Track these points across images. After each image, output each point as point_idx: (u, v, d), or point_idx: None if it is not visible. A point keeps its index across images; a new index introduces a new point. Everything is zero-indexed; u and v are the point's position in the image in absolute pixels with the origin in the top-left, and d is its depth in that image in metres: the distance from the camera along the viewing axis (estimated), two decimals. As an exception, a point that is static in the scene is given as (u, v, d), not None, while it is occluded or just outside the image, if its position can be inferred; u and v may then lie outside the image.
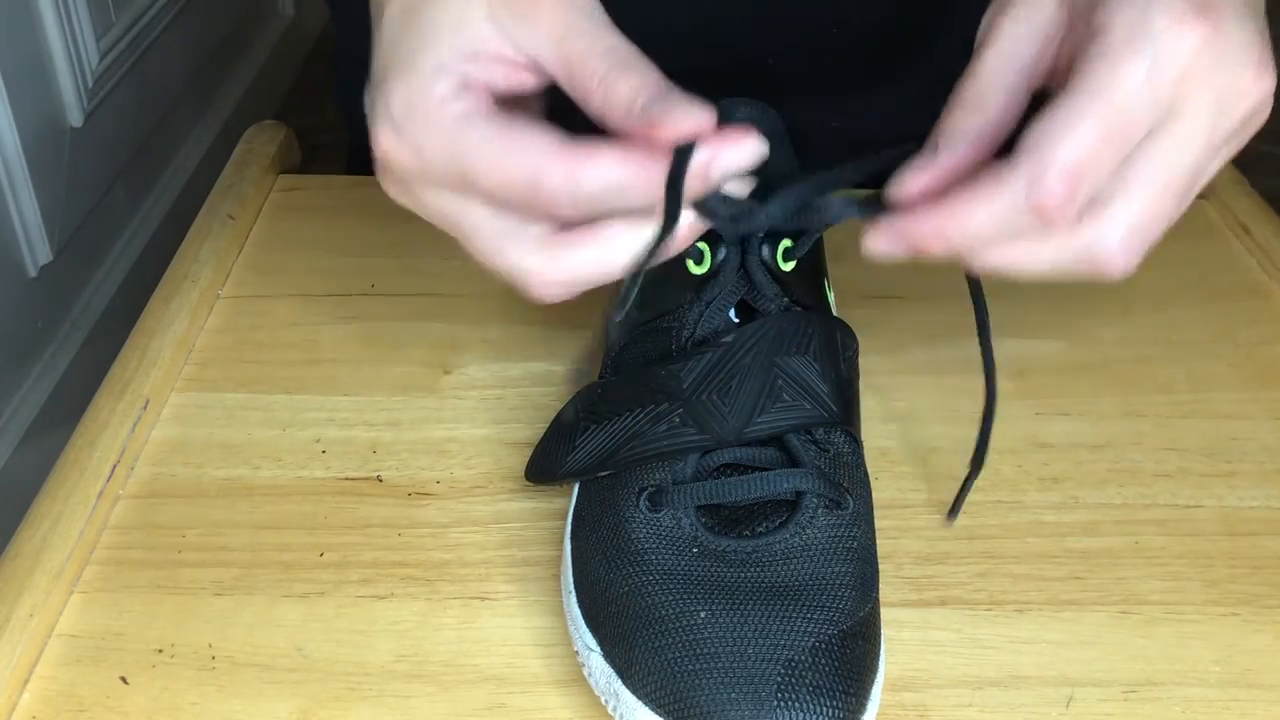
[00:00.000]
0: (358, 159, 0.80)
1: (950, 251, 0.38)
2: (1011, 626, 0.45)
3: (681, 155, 0.37)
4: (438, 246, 0.64)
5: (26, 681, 0.43)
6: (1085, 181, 0.36)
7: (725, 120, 0.40)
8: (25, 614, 0.44)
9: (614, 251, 0.40)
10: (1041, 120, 0.36)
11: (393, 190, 0.44)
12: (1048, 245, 0.38)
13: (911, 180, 0.38)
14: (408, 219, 0.66)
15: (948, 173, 0.38)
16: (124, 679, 0.43)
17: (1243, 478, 0.52)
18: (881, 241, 0.38)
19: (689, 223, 0.40)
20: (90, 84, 0.89)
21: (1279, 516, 0.50)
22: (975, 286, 0.42)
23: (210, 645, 0.44)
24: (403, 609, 0.45)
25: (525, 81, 0.41)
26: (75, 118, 0.88)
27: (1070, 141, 0.35)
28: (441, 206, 0.42)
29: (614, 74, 0.39)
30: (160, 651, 0.44)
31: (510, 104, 0.41)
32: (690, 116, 0.37)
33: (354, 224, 0.66)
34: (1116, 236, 0.37)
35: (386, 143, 0.42)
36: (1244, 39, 0.36)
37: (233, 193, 0.67)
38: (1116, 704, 0.43)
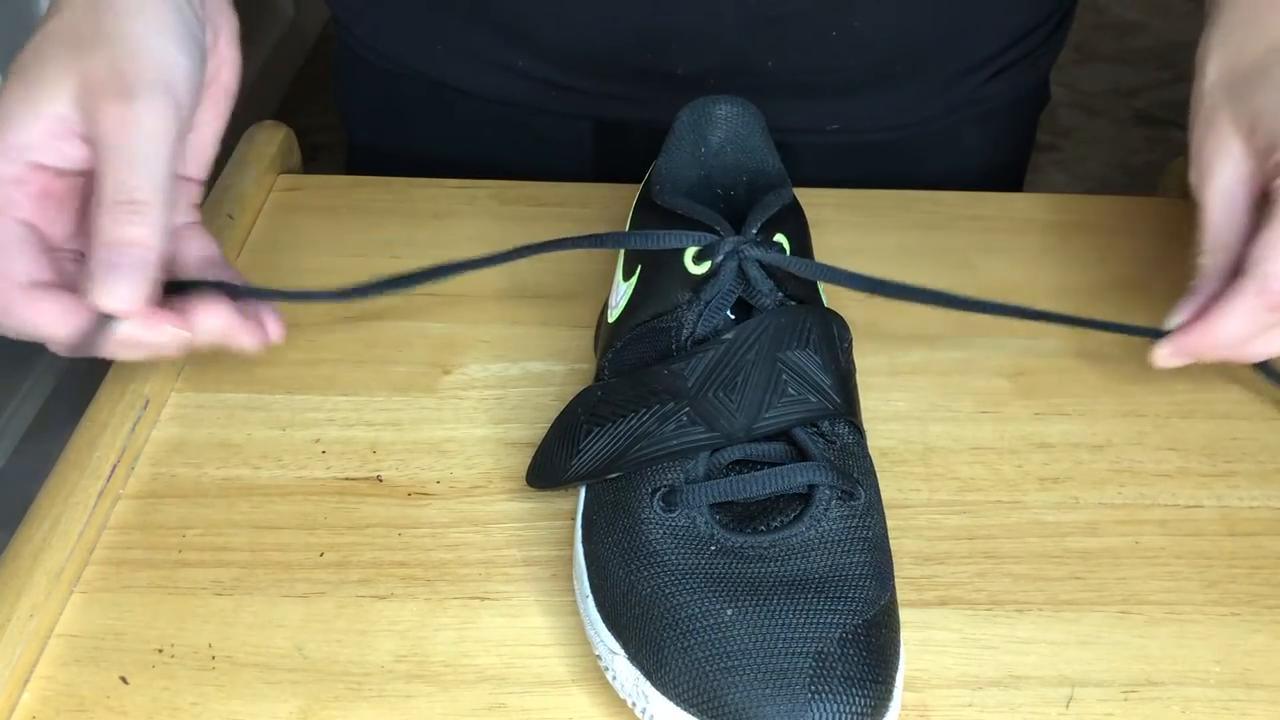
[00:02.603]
0: (358, 159, 0.80)
1: (1222, 355, 0.50)
2: (1011, 626, 0.45)
3: (101, 322, 0.45)
4: (438, 247, 0.64)
5: (26, 681, 0.43)
6: None
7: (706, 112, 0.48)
8: (25, 614, 0.44)
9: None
10: (1256, 245, 0.48)
11: None
12: None
13: (1184, 313, 0.51)
14: (408, 219, 0.66)
15: (1207, 301, 0.50)
16: (124, 679, 0.43)
17: (1243, 478, 0.52)
18: (1169, 357, 0.51)
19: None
20: (90, 84, 0.89)
21: (1279, 516, 0.50)
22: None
23: (210, 645, 0.44)
24: (403, 609, 0.45)
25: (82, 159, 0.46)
26: (75, 118, 0.88)
27: (1278, 259, 0.47)
28: None
29: (122, 211, 0.44)
30: (160, 651, 0.44)
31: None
32: (112, 299, 0.43)
33: (354, 224, 0.66)
34: None
35: None
36: None
37: (233, 193, 0.67)
38: (1116, 704, 0.43)
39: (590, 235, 0.49)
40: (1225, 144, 0.51)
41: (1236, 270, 0.49)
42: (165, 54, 0.46)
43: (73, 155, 0.46)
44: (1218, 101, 0.51)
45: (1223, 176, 0.51)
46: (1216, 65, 0.52)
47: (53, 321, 0.45)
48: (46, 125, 0.45)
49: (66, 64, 0.46)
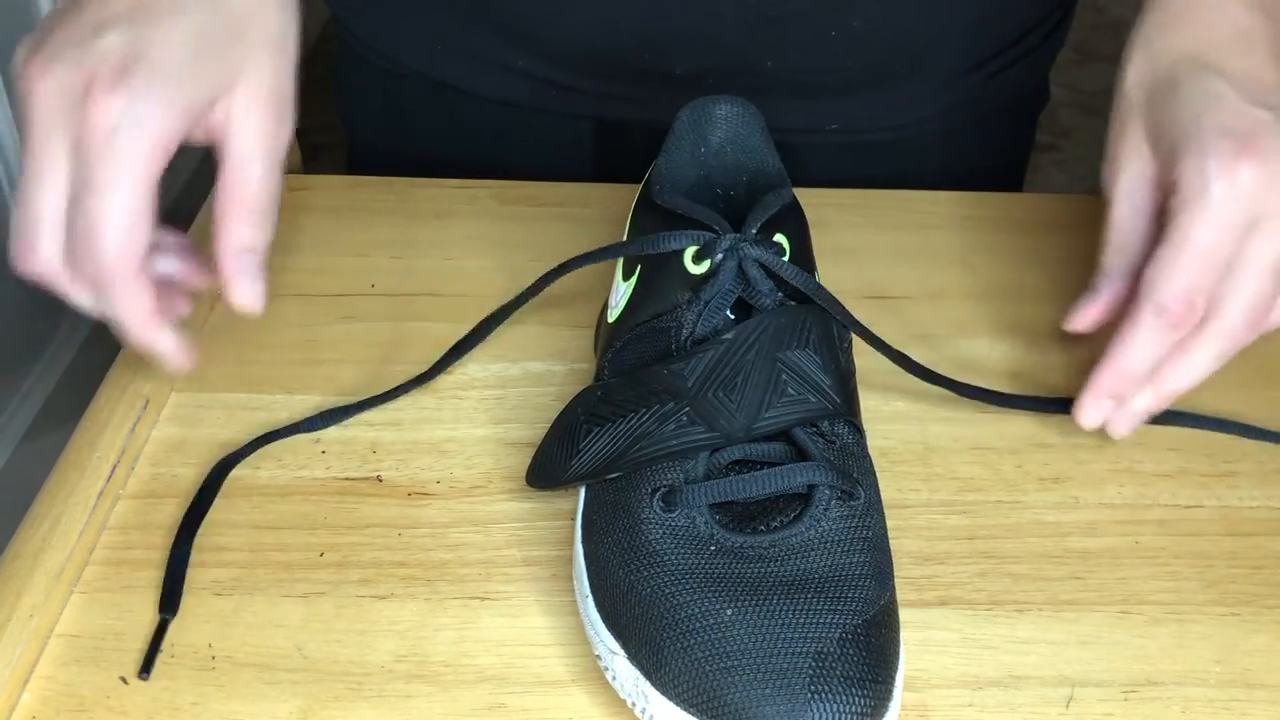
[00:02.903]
0: (358, 159, 0.80)
1: (1141, 391, 0.50)
2: (1011, 626, 0.45)
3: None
4: (438, 247, 0.64)
5: (26, 681, 0.43)
6: (1194, 295, 0.47)
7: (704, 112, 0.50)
8: (25, 614, 0.44)
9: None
10: (1150, 266, 0.48)
11: (34, 57, 0.45)
12: (1200, 353, 0.48)
13: (1086, 310, 0.52)
14: (408, 219, 0.66)
15: (1109, 302, 0.51)
16: (124, 679, 0.43)
17: (1243, 478, 0.52)
18: (1090, 409, 0.51)
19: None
20: (90, 84, 0.89)
21: (1279, 516, 0.50)
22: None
23: (210, 645, 0.44)
24: (403, 609, 0.45)
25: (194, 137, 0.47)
26: (75, 118, 0.88)
27: (1171, 279, 0.47)
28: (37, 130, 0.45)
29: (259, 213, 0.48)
30: (160, 651, 0.44)
31: None
32: (248, 299, 0.48)
33: (354, 224, 0.66)
34: (1241, 319, 0.48)
35: (68, 56, 0.44)
36: None
37: (233, 193, 0.67)
38: (1116, 704, 0.43)
39: (597, 250, 0.49)
40: (1136, 147, 0.51)
41: (1136, 271, 0.49)
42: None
43: (190, 137, 0.46)
44: (1134, 103, 0.52)
45: (1131, 178, 0.51)
46: (1137, 66, 0.52)
47: (139, 317, 0.47)
48: (202, 103, 0.45)
49: (234, 51, 0.46)
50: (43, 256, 0.46)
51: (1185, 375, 0.49)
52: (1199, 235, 0.47)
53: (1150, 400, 0.50)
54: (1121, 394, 0.50)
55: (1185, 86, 0.50)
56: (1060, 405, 0.54)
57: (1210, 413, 0.54)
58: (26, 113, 0.45)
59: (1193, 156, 0.47)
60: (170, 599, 0.45)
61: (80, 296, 0.47)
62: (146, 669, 0.43)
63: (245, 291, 0.48)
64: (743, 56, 0.66)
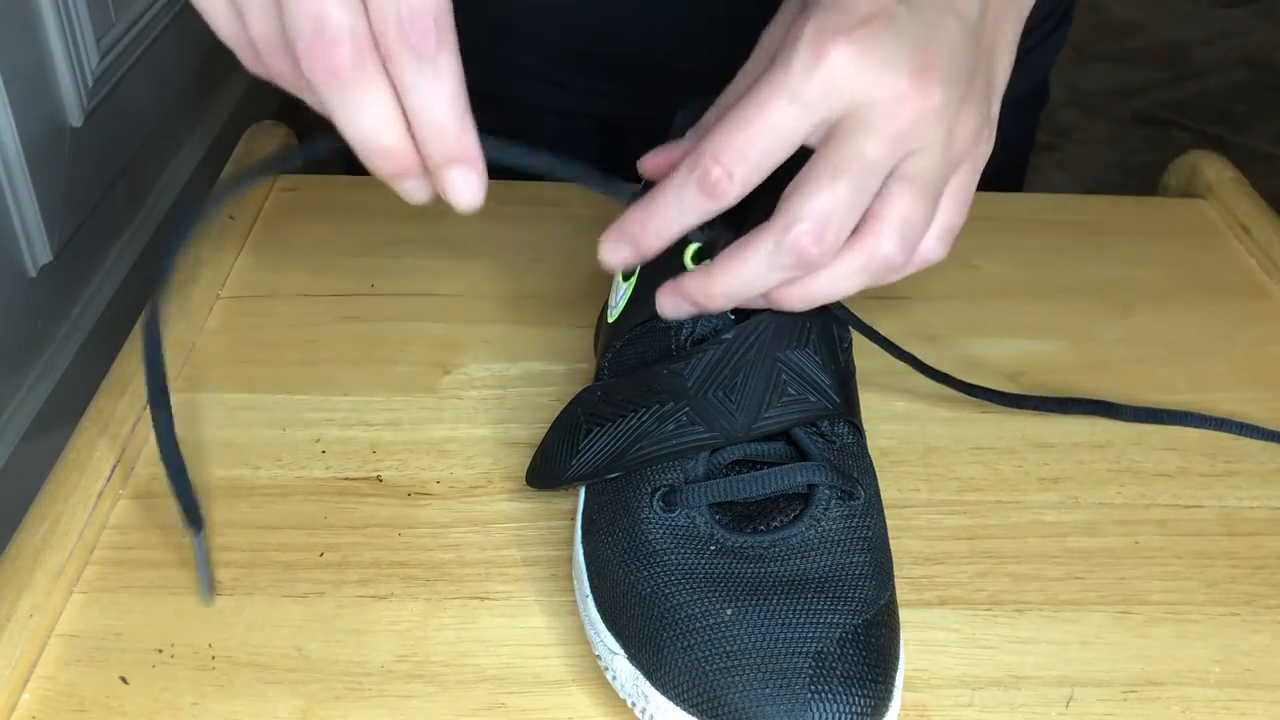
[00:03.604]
0: (358, 159, 0.80)
1: (736, 302, 0.42)
2: (1011, 626, 0.45)
3: None
4: (438, 246, 0.64)
5: (26, 681, 0.43)
6: (727, 166, 0.40)
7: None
8: (25, 614, 0.44)
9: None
10: (791, 188, 0.41)
11: None
12: (833, 273, 0.42)
13: (658, 156, 0.46)
14: (408, 219, 0.66)
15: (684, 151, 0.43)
16: (124, 679, 0.43)
17: (1243, 478, 0.52)
18: (669, 304, 0.43)
19: None
20: (90, 84, 0.89)
21: (1279, 516, 0.50)
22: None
23: (210, 645, 0.44)
24: (403, 609, 0.45)
25: None
26: (75, 118, 0.88)
27: (713, 141, 0.40)
28: None
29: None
30: (160, 651, 0.44)
31: None
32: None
33: (354, 224, 0.66)
34: (808, 222, 0.40)
35: None
36: (896, 50, 0.39)
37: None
38: (1116, 704, 0.43)
39: (597, 181, 0.48)
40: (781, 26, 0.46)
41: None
42: None
43: None
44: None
45: (765, 42, 0.47)
46: None
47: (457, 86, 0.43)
48: None
49: None
50: (345, 46, 0.41)
51: (811, 293, 0.42)
52: (763, 102, 0.40)
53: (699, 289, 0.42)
54: (713, 309, 0.43)
55: None
56: (1061, 405, 0.54)
57: (1210, 413, 0.54)
58: None
59: (795, 26, 0.40)
60: (191, 512, 0.45)
61: (376, 94, 0.42)
62: (210, 590, 0.44)
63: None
64: (742, 55, 0.66)
